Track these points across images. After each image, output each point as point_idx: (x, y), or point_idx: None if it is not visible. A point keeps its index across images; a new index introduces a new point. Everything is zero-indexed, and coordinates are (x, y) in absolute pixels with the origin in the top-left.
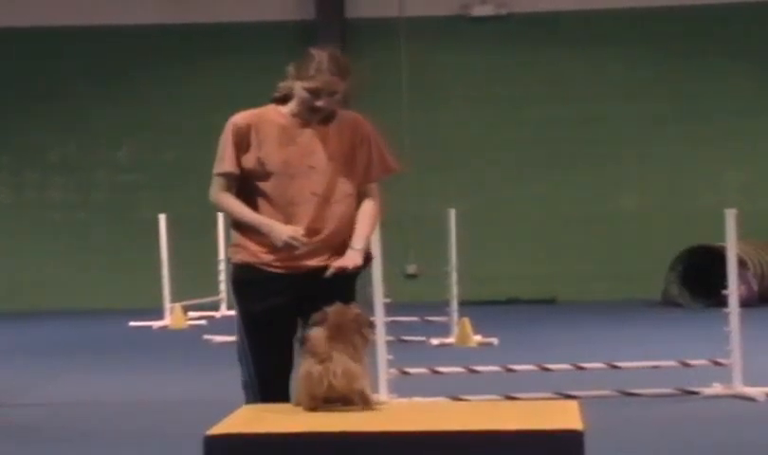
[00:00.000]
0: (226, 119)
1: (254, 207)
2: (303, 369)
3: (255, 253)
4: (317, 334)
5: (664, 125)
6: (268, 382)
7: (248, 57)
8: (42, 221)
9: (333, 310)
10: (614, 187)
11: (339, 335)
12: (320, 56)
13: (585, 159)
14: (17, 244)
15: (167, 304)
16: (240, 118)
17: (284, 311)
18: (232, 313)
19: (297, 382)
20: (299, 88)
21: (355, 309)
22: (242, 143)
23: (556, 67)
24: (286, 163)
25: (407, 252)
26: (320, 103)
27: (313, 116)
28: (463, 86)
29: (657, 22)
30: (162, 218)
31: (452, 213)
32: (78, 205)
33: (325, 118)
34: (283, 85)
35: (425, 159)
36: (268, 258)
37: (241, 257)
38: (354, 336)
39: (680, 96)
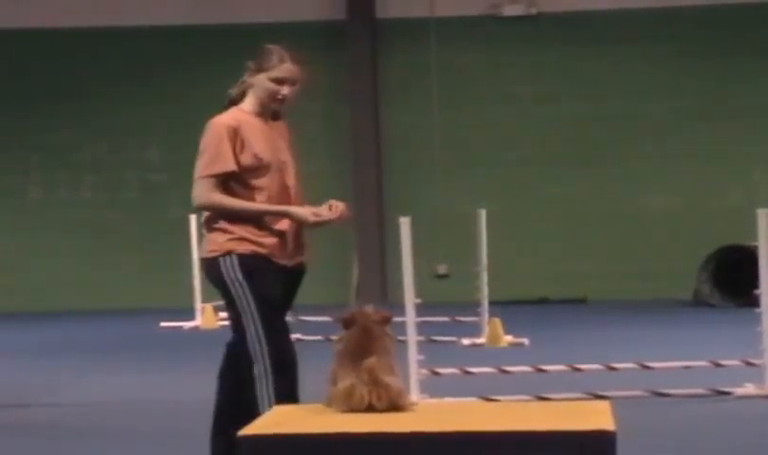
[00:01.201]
0: None
1: (254, 198)
2: (346, 383)
3: (264, 245)
4: (371, 362)
5: (694, 123)
6: (284, 367)
7: None
8: (72, 220)
9: (356, 312)
10: (645, 185)
11: (371, 339)
12: (278, 49)
13: (615, 158)
14: (48, 242)
15: (198, 305)
16: (228, 119)
17: (284, 302)
18: None
19: (336, 391)
20: (263, 80)
21: (371, 308)
22: (236, 142)
23: (586, 66)
24: (272, 157)
25: (437, 252)
26: (285, 92)
27: (277, 106)
28: (492, 86)
29: (686, 21)
30: (193, 218)
31: (483, 213)
32: (108, 204)
33: (275, 114)
34: (234, 91)
35: (455, 159)
36: (278, 251)
37: (250, 248)
38: (384, 338)
39: (710, 94)
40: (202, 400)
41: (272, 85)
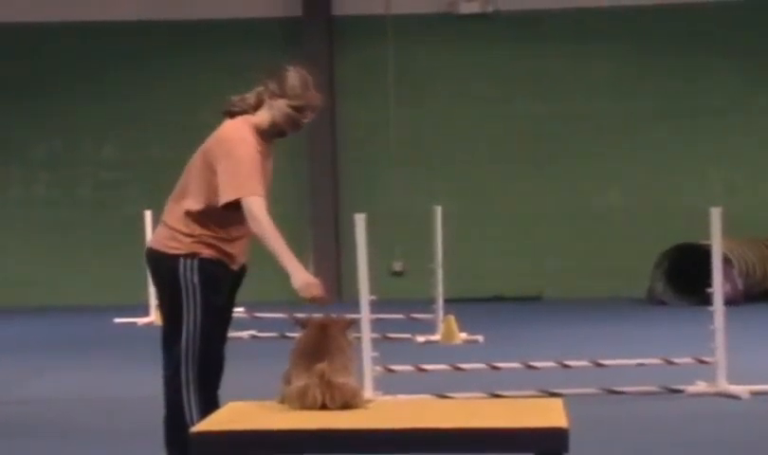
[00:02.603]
0: (211, 116)
1: (236, 220)
2: (300, 383)
3: (226, 253)
4: (322, 367)
5: (649, 123)
6: (209, 377)
7: (234, 54)
8: (27, 218)
9: (315, 316)
10: (600, 184)
11: (326, 338)
12: (300, 72)
13: (571, 157)
14: (1, 240)
15: (152, 301)
16: (254, 142)
17: (229, 305)
18: None
19: (289, 390)
20: (283, 106)
21: (333, 315)
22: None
23: (542, 65)
24: (265, 183)
25: (393, 249)
26: (305, 120)
27: (294, 131)
28: (449, 84)
29: (643, 20)
30: (147, 214)
31: (438, 210)
32: (63, 201)
33: (282, 133)
34: (243, 101)
35: (411, 157)
36: (235, 260)
37: (213, 254)
38: (340, 338)
39: (665, 93)
40: (157, 396)
41: (293, 113)
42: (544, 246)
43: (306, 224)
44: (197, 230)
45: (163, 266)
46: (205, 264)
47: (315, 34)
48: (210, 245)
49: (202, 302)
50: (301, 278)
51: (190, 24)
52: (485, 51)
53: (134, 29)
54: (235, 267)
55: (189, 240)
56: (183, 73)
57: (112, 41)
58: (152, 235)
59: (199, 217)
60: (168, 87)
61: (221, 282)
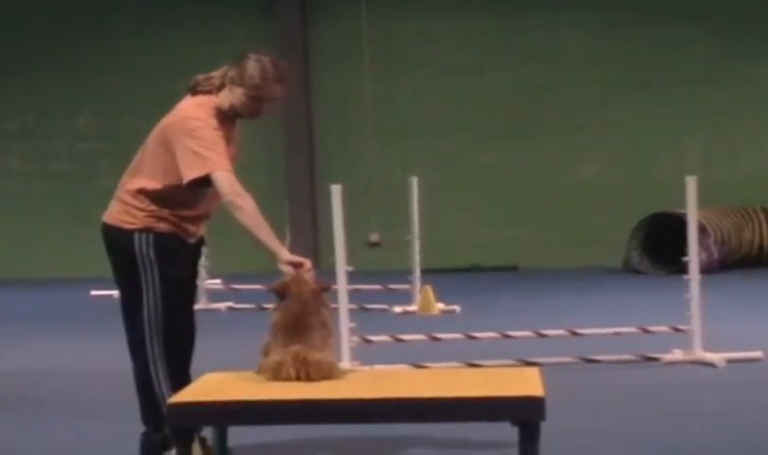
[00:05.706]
0: (185, 87)
1: (192, 201)
2: (275, 358)
3: (181, 226)
4: (297, 348)
5: (624, 92)
6: (176, 350)
7: (207, 24)
8: (1, 191)
9: (290, 281)
10: (576, 154)
11: (305, 314)
12: (262, 62)
13: (547, 126)
14: None
15: None
16: (215, 124)
17: (191, 277)
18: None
19: (265, 363)
20: (240, 94)
21: (309, 277)
22: None
23: (516, 35)
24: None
25: (369, 220)
26: (263, 110)
27: (252, 118)
28: (424, 55)
29: None
30: None
31: (414, 181)
32: (37, 174)
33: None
34: (208, 81)
35: (387, 127)
36: (191, 233)
37: (166, 226)
38: (319, 312)
39: (640, 63)
40: (130, 368)
41: (250, 103)
42: (520, 217)
43: (283, 195)
44: (151, 206)
45: (119, 241)
46: (160, 239)
47: (289, 5)
48: (164, 219)
49: (159, 276)
50: (289, 258)
51: None
52: (460, 22)
53: (106, 1)
54: (192, 240)
55: (143, 214)
56: (156, 44)
57: (84, 12)
58: (106, 210)
59: (153, 195)
60: (141, 58)
61: (178, 256)
